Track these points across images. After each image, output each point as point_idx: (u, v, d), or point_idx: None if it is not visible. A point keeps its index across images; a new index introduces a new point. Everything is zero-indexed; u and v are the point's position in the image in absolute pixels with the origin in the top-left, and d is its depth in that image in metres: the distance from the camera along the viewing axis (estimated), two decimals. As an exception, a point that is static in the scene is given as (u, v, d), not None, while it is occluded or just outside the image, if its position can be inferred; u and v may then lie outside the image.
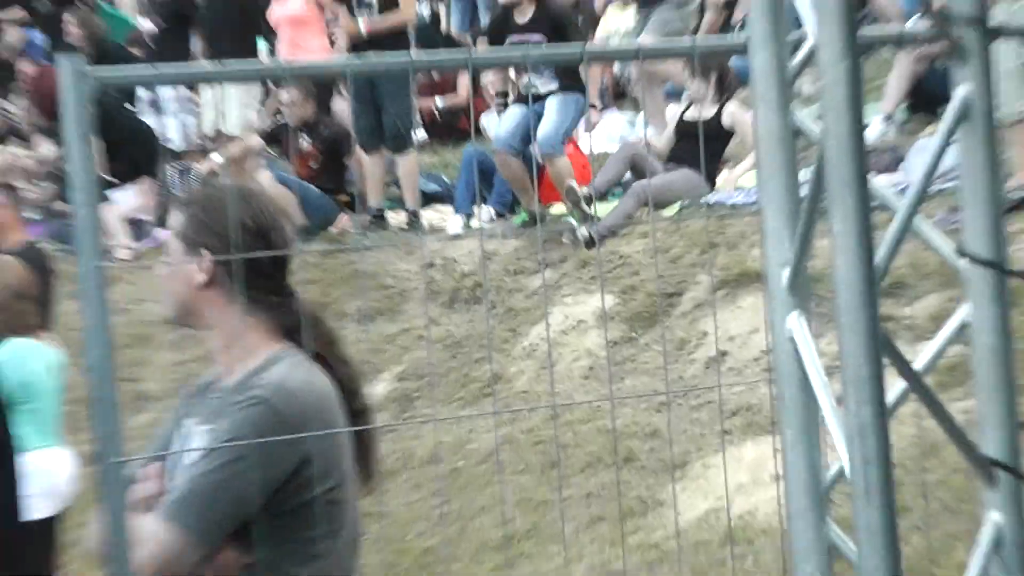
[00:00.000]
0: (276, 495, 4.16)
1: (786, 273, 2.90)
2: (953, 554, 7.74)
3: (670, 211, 13.47)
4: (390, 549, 9.46)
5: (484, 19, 17.30)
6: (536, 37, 13.92)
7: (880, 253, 2.77)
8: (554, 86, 13.91)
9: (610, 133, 15.69)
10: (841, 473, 2.85)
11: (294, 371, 4.30)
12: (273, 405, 4.17)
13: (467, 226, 14.63)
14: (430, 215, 15.02)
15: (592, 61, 13.34)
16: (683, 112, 14.50)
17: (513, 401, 11.93)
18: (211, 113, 16.44)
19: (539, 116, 13.79)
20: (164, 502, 4.20)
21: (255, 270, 4.27)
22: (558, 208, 13.94)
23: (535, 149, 13.76)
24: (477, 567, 9.94)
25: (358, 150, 15.15)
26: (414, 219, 14.81)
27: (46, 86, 17.09)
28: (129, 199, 16.17)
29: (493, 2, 15.30)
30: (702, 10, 18.01)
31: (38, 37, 21.71)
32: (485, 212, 14.66)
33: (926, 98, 14.30)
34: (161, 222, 15.84)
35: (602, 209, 13.89)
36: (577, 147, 14.57)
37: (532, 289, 13.36)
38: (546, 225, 13.88)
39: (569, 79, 13.91)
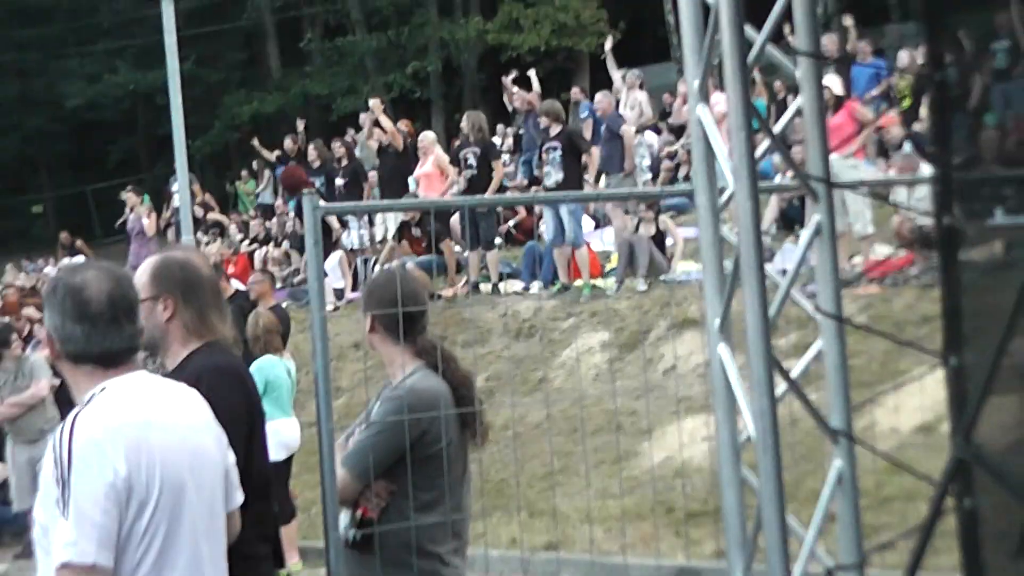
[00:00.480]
0: (411, 450, 4.18)
1: (717, 321, 2.88)
2: (805, 484, 7.68)
3: (643, 285, 13.40)
4: (481, 480, 9.42)
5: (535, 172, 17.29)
6: (556, 144, 13.92)
7: (771, 309, 2.75)
8: (560, 177, 13.79)
9: (609, 239, 15.55)
10: (749, 437, 2.82)
11: (421, 379, 4.33)
12: (405, 399, 4.23)
13: (527, 291, 14.62)
14: (504, 285, 14.97)
15: (603, 200, 13.33)
16: (636, 225, 14.37)
17: (552, 393, 11.89)
18: (382, 227, 16.45)
19: (555, 213, 13.72)
20: (344, 455, 4.27)
21: (412, 322, 4.33)
22: (579, 282, 13.88)
23: (566, 247, 13.80)
24: (530, 489, 9.91)
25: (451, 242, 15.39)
26: (495, 287, 14.81)
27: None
28: (334, 272, 16.16)
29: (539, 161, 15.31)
30: (656, 173, 17.79)
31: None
32: (536, 284, 14.60)
33: (787, 220, 14.31)
34: (354, 289, 15.91)
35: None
36: (590, 247, 14.48)
37: (563, 328, 13.30)
38: (571, 291, 13.83)
39: (571, 178, 13.86)
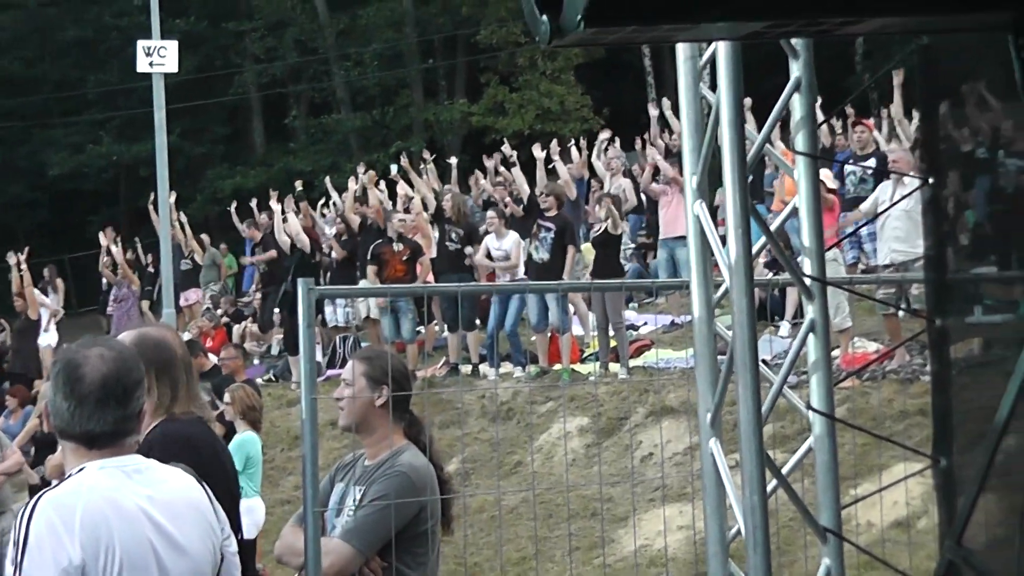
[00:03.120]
0: (405, 527, 4.22)
1: (709, 416, 2.89)
2: (784, 577, 7.67)
3: (623, 372, 13.38)
4: (454, 562, 9.34)
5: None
6: (551, 225, 13.83)
7: (764, 406, 2.77)
8: (546, 258, 13.72)
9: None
10: (738, 531, 2.83)
11: (416, 457, 4.37)
12: (408, 475, 4.26)
13: (506, 375, 14.58)
14: (484, 368, 14.93)
15: (594, 290, 13.30)
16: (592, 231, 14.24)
17: (530, 477, 11.83)
18: (364, 304, 16.35)
19: (540, 297, 13.56)
20: (341, 530, 4.25)
21: (404, 399, 4.38)
22: (558, 366, 13.87)
23: (549, 330, 13.80)
24: (504, 575, 9.83)
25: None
26: (475, 369, 14.78)
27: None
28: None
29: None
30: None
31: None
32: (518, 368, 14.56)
33: (762, 310, 14.32)
34: (329, 366, 15.82)
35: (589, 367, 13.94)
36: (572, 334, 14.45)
37: (541, 412, 13.27)
38: (550, 375, 13.81)
39: (556, 262, 13.74)
